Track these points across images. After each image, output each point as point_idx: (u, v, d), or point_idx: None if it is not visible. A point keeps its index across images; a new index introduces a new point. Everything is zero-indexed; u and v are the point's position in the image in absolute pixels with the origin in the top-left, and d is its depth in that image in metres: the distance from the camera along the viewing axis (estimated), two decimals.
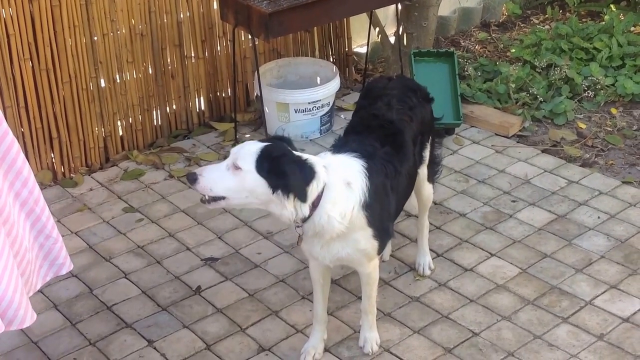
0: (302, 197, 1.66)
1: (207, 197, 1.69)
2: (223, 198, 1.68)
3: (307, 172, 1.67)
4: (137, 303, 2.17)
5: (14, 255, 1.49)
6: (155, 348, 2.02)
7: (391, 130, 1.91)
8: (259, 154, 1.66)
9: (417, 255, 2.27)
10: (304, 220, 1.71)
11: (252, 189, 1.66)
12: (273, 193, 1.65)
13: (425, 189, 2.16)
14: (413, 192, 2.15)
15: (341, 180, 1.72)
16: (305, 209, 1.68)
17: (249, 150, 1.67)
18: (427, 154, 2.10)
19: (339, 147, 1.83)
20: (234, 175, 1.65)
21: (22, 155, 1.56)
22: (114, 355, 2.00)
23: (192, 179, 1.66)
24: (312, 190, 1.68)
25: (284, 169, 1.65)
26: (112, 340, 2.04)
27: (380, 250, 1.85)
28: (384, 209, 1.82)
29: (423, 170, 2.11)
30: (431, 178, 2.17)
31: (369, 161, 1.77)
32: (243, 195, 1.66)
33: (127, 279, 2.27)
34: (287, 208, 1.67)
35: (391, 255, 2.33)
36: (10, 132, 1.54)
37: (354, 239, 1.77)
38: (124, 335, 2.06)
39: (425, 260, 2.25)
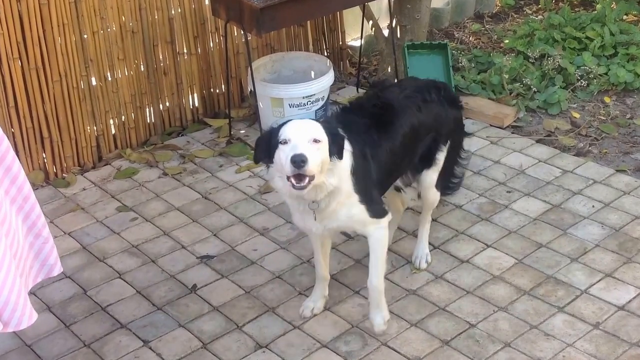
0: (341, 157, 1.78)
1: (306, 182, 1.68)
2: (313, 177, 1.70)
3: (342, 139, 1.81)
4: (132, 303, 2.16)
5: (12, 255, 1.47)
6: (150, 348, 2.01)
7: (384, 109, 1.96)
8: (325, 127, 1.76)
9: (415, 247, 2.27)
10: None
11: (325, 159, 1.74)
12: (330, 159, 1.75)
13: (431, 194, 2.17)
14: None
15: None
16: (336, 178, 1.78)
17: (315, 124, 1.76)
18: (441, 157, 2.11)
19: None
20: (318, 150, 1.71)
21: (12, 152, 1.54)
22: (109, 356, 1.99)
23: (302, 160, 1.65)
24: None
25: (342, 136, 1.79)
26: (107, 342, 2.03)
27: (373, 214, 1.89)
28: (366, 175, 1.89)
29: (431, 175, 2.12)
30: (440, 187, 2.17)
31: (346, 130, 1.85)
32: (320, 168, 1.72)
33: (122, 279, 2.26)
34: (335, 174, 1.77)
35: (388, 249, 2.32)
36: None
37: (342, 208, 1.84)
38: (119, 336, 2.05)
39: (423, 253, 2.25)
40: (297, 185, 1.69)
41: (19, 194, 1.56)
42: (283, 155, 1.72)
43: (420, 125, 2.02)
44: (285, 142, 1.72)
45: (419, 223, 2.26)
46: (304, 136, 1.72)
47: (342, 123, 1.87)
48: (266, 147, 1.77)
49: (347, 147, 1.83)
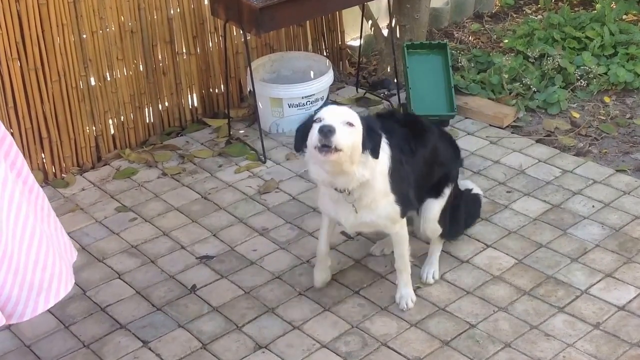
0: (376, 156, 1.83)
1: (332, 148, 1.74)
2: (341, 150, 1.75)
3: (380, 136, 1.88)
4: (132, 303, 2.15)
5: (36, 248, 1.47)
6: (150, 349, 2.01)
7: (415, 120, 2.09)
8: (361, 117, 1.83)
9: (424, 262, 2.21)
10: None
11: (356, 146, 1.79)
12: (363, 151, 1.81)
13: (430, 226, 2.13)
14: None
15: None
16: (368, 171, 1.84)
17: (352, 112, 1.83)
18: (447, 192, 2.12)
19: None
20: (350, 132, 1.77)
21: (15, 147, 1.56)
22: (109, 357, 1.99)
23: (329, 129, 1.72)
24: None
25: (378, 132, 1.85)
26: (106, 342, 2.03)
27: (403, 214, 1.99)
28: (403, 178, 1.96)
29: (436, 206, 2.10)
30: (443, 226, 2.14)
31: (387, 134, 1.91)
32: (350, 150, 1.78)
33: (121, 279, 2.26)
34: (367, 167, 1.83)
35: (387, 249, 2.32)
36: (2, 126, 1.55)
37: (378, 206, 1.92)
38: (118, 337, 2.04)
39: (431, 270, 2.19)
40: (323, 150, 1.73)
41: (25, 186, 1.58)
42: (314, 130, 1.77)
43: (440, 148, 2.10)
44: (318, 121, 1.78)
45: (430, 245, 2.22)
46: (337, 117, 1.77)
47: (384, 127, 1.92)
48: (303, 132, 1.83)
49: (386, 148, 1.89)
